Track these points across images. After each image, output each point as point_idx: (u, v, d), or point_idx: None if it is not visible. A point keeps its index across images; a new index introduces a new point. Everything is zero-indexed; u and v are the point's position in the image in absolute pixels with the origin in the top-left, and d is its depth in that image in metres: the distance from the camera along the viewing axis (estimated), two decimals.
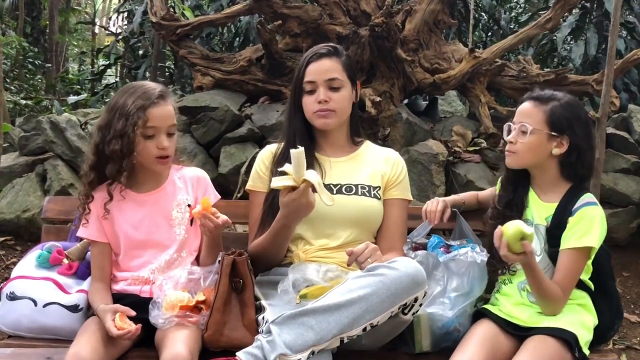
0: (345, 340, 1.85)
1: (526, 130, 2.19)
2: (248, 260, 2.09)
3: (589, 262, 2.16)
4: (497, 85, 5.37)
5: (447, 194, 4.42)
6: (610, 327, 2.28)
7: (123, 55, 8.72)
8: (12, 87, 8.65)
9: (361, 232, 2.28)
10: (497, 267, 2.26)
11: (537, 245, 2.17)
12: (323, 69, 2.28)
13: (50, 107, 8.07)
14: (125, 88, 2.20)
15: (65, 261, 2.30)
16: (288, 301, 2.02)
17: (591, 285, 2.21)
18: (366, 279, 1.87)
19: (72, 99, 8.32)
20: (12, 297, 2.19)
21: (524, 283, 2.19)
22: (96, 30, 13.72)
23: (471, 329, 2.14)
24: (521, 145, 2.20)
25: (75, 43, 13.03)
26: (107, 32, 13.82)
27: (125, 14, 9.08)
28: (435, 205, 2.47)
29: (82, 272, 2.29)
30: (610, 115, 4.95)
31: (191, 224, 2.27)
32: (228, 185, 4.57)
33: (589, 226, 2.11)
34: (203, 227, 2.11)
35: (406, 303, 1.89)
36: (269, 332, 1.84)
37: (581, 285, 2.18)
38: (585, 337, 2.07)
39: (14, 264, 4.14)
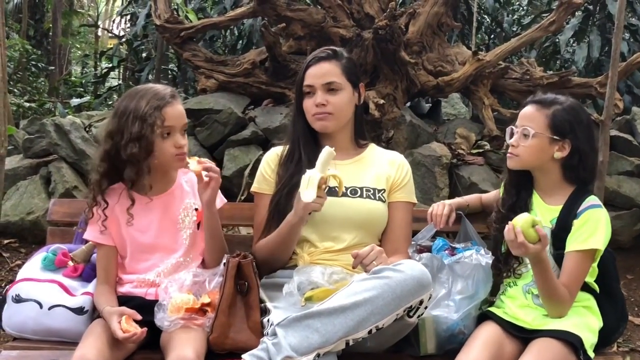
0: (351, 343, 1.85)
1: (528, 134, 2.19)
2: (253, 262, 2.10)
3: (595, 264, 2.16)
4: (501, 88, 5.37)
5: (450, 196, 4.42)
6: (615, 329, 2.28)
7: (126, 58, 8.73)
8: (16, 90, 8.66)
9: (366, 234, 2.28)
10: (502, 270, 2.26)
11: None
12: (321, 72, 2.29)
13: (53, 109, 8.08)
14: (131, 92, 2.20)
15: (71, 263, 2.30)
16: (293, 303, 2.02)
17: (596, 287, 2.21)
18: (371, 282, 1.87)
19: (75, 101, 8.33)
20: (18, 300, 2.19)
21: (529, 285, 2.19)
22: (99, 33, 13.74)
23: (476, 332, 2.14)
24: (523, 149, 2.21)
25: (79, 46, 13.04)
26: (110, 34, 13.86)
27: (129, 17, 9.09)
28: (441, 209, 2.47)
29: (87, 274, 2.29)
30: (614, 118, 4.94)
31: (198, 228, 2.27)
32: (232, 187, 4.57)
33: (594, 228, 2.11)
34: (209, 181, 2.13)
35: (411, 306, 1.89)
36: (274, 334, 1.85)
37: (586, 287, 2.18)
38: (590, 339, 2.07)
39: (19, 266, 4.15)
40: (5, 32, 3.88)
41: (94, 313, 2.18)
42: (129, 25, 9.46)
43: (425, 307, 1.96)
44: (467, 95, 5.44)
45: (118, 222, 2.21)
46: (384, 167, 2.37)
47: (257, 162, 3.50)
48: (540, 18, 6.95)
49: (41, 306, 2.17)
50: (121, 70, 9.62)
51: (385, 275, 1.87)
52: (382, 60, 4.90)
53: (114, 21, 15.32)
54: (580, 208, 2.15)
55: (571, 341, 2.01)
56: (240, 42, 7.47)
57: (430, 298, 1.96)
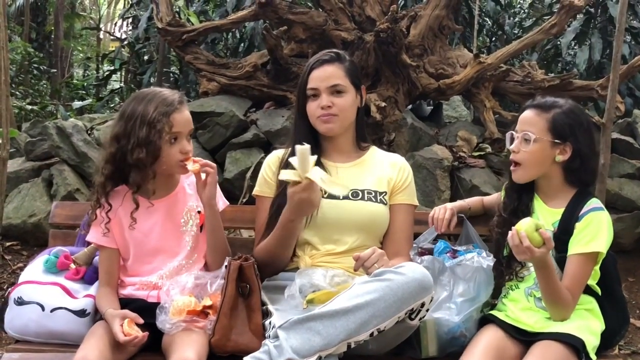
0: (352, 346, 1.85)
1: (529, 138, 2.19)
2: (255, 265, 2.10)
3: (597, 267, 2.16)
4: (502, 91, 5.37)
5: (452, 199, 4.43)
6: (617, 332, 2.27)
7: (128, 61, 8.73)
8: (18, 93, 8.67)
9: (367, 237, 2.29)
10: (504, 273, 2.26)
11: None
12: (325, 75, 2.29)
13: (55, 112, 8.09)
14: (139, 96, 2.20)
15: (73, 266, 2.30)
16: (295, 306, 2.03)
17: (598, 290, 2.21)
18: (373, 284, 1.87)
19: (77, 104, 8.34)
20: (20, 302, 2.20)
21: (531, 288, 2.19)
22: (101, 36, 13.76)
23: (477, 335, 2.14)
24: (525, 154, 2.21)
25: (80, 48, 13.06)
26: (112, 37, 13.87)
27: (131, 20, 9.09)
28: (442, 213, 2.47)
29: (89, 277, 2.30)
30: (615, 121, 4.94)
31: (200, 230, 2.27)
32: (233, 190, 4.58)
33: (596, 231, 2.11)
34: (205, 178, 2.15)
35: (413, 308, 1.89)
36: (276, 337, 1.85)
37: (588, 290, 2.18)
38: (592, 342, 2.06)
39: (20, 269, 4.16)
40: (7, 35, 3.89)
41: (95, 315, 2.18)
42: (130, 28, 9.46)
43: (427, 310, 1.96)
44: (469, 98, 5.44)
45: (121, 224, 2.21)
46: (385, 170, 2.37)
47: (259, 164, 3.51)
48: (541, 21, 6.96)
49: (43, 309, 2.17)
50: (123, 73, 9.62)
51: (387, 277, 1.87)
52: (384, 63, 4.90)
53: (115, 24, 15.33)
54: (582, 211, 2.15)
55: (573, 344, 2.01)
56: (242, 45, 7.47)
57: (431, 300, 1.96)
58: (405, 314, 1.89)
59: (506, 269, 2.24)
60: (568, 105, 2.23)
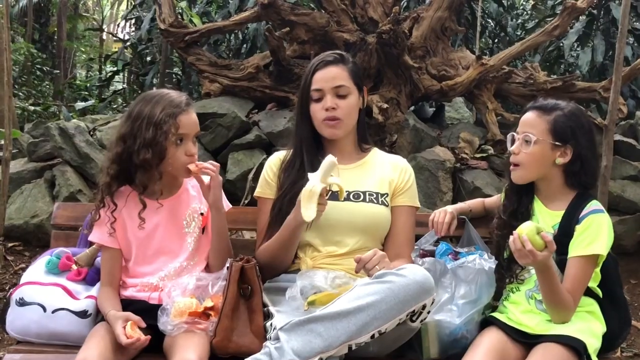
0: (353, 348, 1.85)
1: (530, 140, 2.19)
2: (256, 266, 2.09)
3: (597, 269, 2.16)
4: (504, 92, 5.37)
5: (454, 200, 4.43)
6: (618, 334, 2.27)
7: (131, 62, 8.75)
8: (21, 93, 8.70)
9: (369, 239, 2.28)
10: (504, 276, 2.26)
11: None
12: (329, 76, 2.29)
13: (58, 113, 8.11)
14: (146, 97, 2.21)
15: (74, 267, 2.30)
16: (296, 308, 2.03)
17: (599, 292, 2.20)
18: (374, 286, 1.87)
19: (79, 105, 8.37)
20: (21, 303, 2.20)
21: (532, 291, 2.19)
22: (104, 37, 13.78)
23: (479, 337, 2.14)
24: (525, 156, 2.20)
25: (83, 49, 13.09)
26: (114, 38, 13.89)
27: (133, 21, 9.11)
28: (442, 216, 2.47)
29: (91, 278, 2.30)
30: (618, 123, 4.94)
31: (202, 232, 2.28)
32: (235, 191, 4.58)
33: (596, 234, 2.11)
34: (209, 182, 2.16)
35: (414, 310, 1.89)
36: (277, 338, 1.85)
37: (589, 292, 2.18)
38: (593, 344, 2.06)
39: (23, 269, 4.16)
40: (10, 36, 3.91)
41: (97, 316, 2.18)
42: (133, 29, 9.48)
43: (428, 312, 1.96)
44: (471, 100, 5.44)
45: (124, 225, 2.22)
46: (386, 171, 2.37)
47: (261, 166, 3.52)
48: (544, 22, 6.95)
49: (45, 310, 2.17)
50: (126, 74, 9.65)
51: (388, 279, 1.87)
52: (386, 65, 4.91)
53: (118, 25, 15.39)
54: (583, 213, 2.15)
55: (575, 346, 2.00)
56: (245, 46, 7.49)
57: (433, 302, 1.95)
58: (407, 315, 1.89)
59: (506, 272, 2.24)
60: (570, 108, 2.23)
